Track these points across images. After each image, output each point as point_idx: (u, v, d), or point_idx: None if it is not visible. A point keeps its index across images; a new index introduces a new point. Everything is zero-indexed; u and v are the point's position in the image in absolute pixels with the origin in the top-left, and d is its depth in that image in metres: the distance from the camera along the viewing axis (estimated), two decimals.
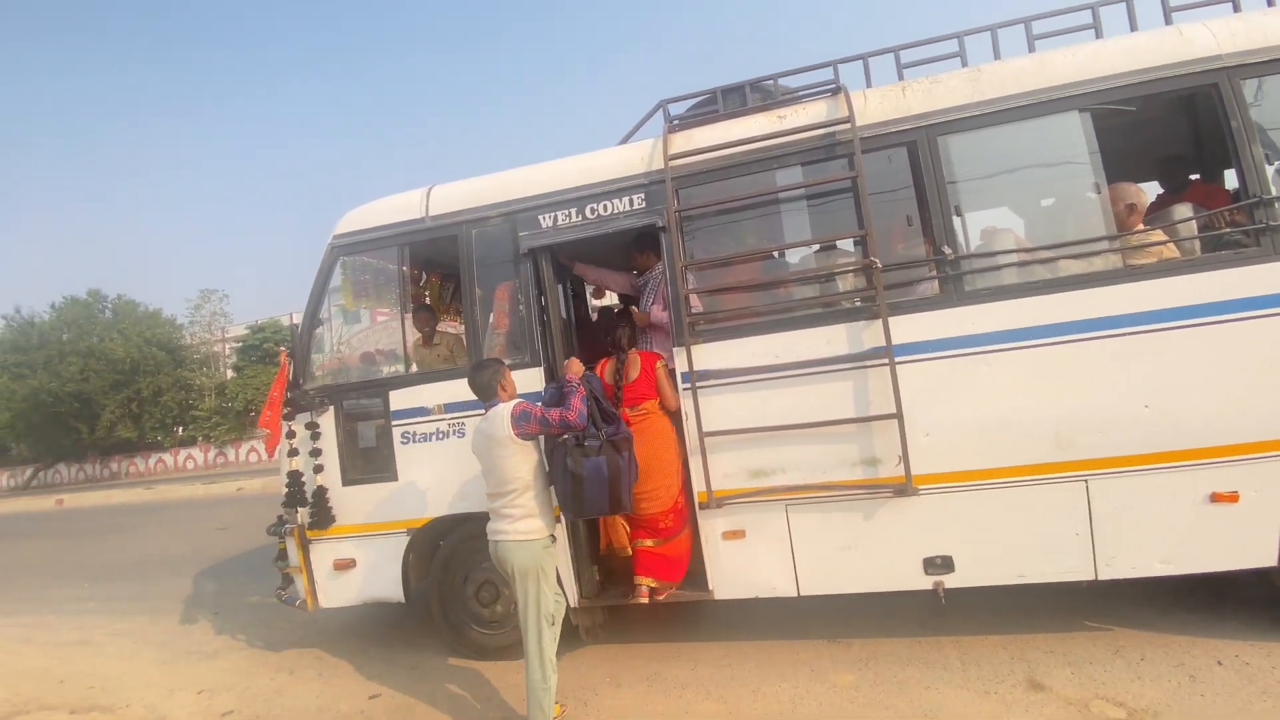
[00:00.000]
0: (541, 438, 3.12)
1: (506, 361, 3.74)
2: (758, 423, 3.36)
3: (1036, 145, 3.28)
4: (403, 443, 3.87)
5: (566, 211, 3.73)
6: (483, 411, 3.14)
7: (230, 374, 31.82)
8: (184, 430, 31.52)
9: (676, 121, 3.86)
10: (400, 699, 3.73)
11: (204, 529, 10.63)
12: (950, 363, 3.19)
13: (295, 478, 3.92)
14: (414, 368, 4.14)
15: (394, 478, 3.89)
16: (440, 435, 3.82)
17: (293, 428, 4.00)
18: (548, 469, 3.16)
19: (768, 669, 3.53)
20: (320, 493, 3.94)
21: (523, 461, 2.97)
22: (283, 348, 3.92)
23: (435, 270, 5.35)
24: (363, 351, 4.60)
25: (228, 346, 33.34)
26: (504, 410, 2.99)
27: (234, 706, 3.90)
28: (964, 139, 3.31)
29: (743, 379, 3.39)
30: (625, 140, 4.04)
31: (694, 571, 3.68)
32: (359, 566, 3.97)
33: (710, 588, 3.54)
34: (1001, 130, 3.27)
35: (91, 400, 29.74)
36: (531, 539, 2.94)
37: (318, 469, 3.95)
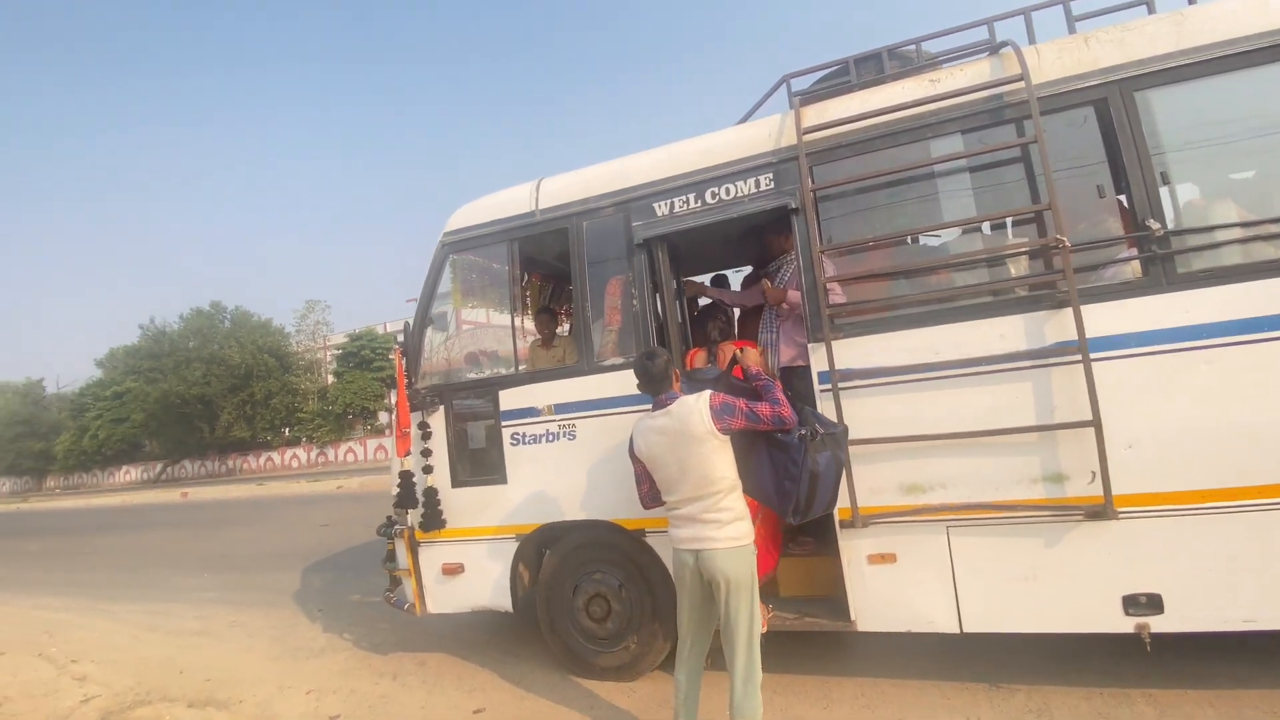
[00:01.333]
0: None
1: (617, 360, 3.52)
2: (913, 430, 2.93)
3: (1267, 98, 2.69)
4: (512, 444, 3.70)
5: (684, 197, 3.45)
6: (635, 408, 2.88)
7: (331, 379, 33.93)
8: (290, 431, 33.84)
9: (800, 97, 3.50)
10: (505, 715, 3.54)
11: (308, 525, 11.11)
12: (1160, 359, 2.64)
13: (406, 478, 3.84)
14: (523, 368, 3.97)
15: (503, 480, 3.72)
16: (550, 437, 3.62)
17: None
18: (766, 468, 2.79)
19: (914, 712, 3.07)
20: (430, 494, 3.83)
21: (725, 459, 2.64)
22: (396, 346, 3.86)
23: (536, 269, 5.24)
24: (472, 351, 4.49)
25: (329, 353, 35.58)
26: (698, 403, 2.64)
27: (341, 710, 3.83)
28: (1169, 94, 2.76)
29: (894, 379, 2.96)
30: (745, 120, 3.72)
31: (831, 599, 3.28)
32: (467, 572, 3.83)
33: (852, 618, 3.12)
34: (1220, 81, 2.70)
35: (212, 402, 32.52)
36: (745, 543, 2.63)
37: (427, 469, 3.85)
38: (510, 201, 3.92)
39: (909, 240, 3.23)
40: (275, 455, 33.51)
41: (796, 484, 2.71)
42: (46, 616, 6.95)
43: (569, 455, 3.58)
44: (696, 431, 2.61)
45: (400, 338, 3.91)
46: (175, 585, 7.58)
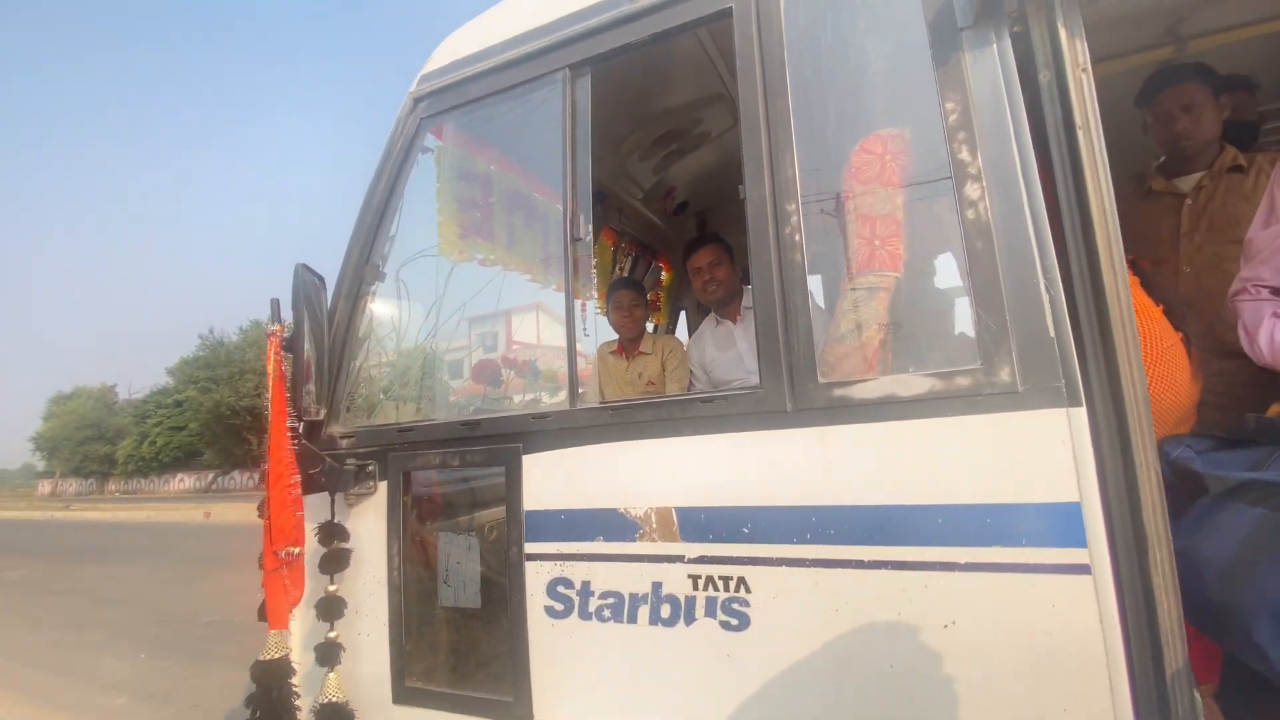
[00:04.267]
0: None
1: (902, 384, 1.09)
2: None
3: None
4: (553, 615, 1.30)
5: None
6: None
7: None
8: None
9: None
10: None
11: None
12: None
13: (273, 677, 1.46)
14: (587, 397, 1.54)
15: (525, 715, 1.31)
16: (665, 609, 1.20)
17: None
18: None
19: None
20: (336, 717, 1.45)
21: None
22: (273, 330, 1.51)
23: (608, 223, 2.93)
24: (484, 352, 2.15)
25: None
26: None
27: None
28: None
29: None
30: None
31: None
32: None
33: None
34: None
35: (262, 415, 32.03)
36: None
37: (329, 653, 1.48)
38: None
39: None
40: None
41: None
42: None
43: (727, 682, 1.14)
44: None
45: (281, 320, 1.55)
46: (95, 671, 5.57)
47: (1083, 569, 0.93)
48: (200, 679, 5.32)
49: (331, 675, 1.47)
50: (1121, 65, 2.09)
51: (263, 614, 1.45)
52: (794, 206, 1.17)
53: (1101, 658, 0.93)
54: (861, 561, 1.04)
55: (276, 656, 1.43)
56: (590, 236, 1.41)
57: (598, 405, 1.33)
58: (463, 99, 1.66)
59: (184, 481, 40.09)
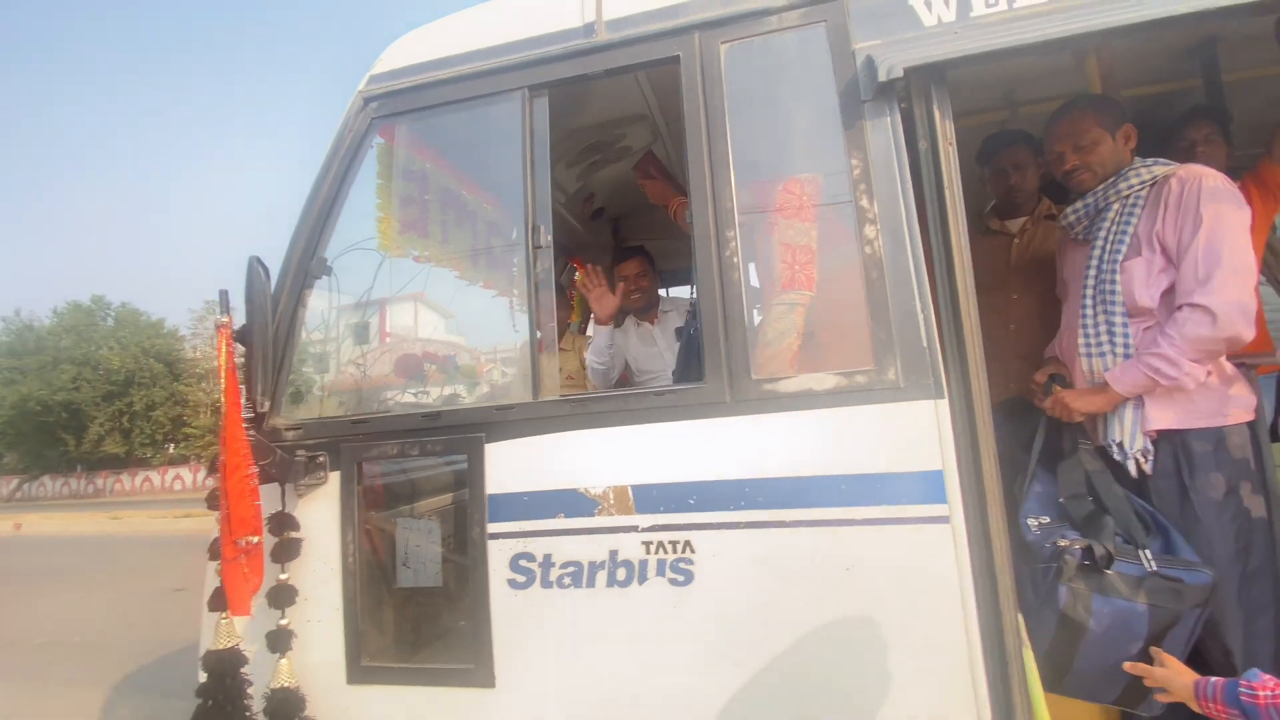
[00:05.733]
0: None
1: (816, 381, 1.37)
2: None
3: None
4: (515, 585, 1.44)
5: None
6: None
7: None
8: (175, 447, 29.52)
9: None
10: None
11: (157, 586, 8.14)
12: None
13: (224, 665, 1.47)
14: (546, 389, 1.68)
15: (486, 680, 1.44)
16: (620, 572, 1.39)
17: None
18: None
19: None
20: (287, 702, 1.49)
21: None
22: (221, 320, 1.49)
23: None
24: (412, 349, 2.22)
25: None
26: None
27: None
28: None
29: None
30: None
31: None
32: None
33: None
34: None
35: (81, 411, 27.94)
36: None
37: (280, 640, 1.51)
38: (531, 14, 1.72)
39: None
40: (155, 475, 28.86)
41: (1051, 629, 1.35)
42: None
43: (674, 629, 1.36)
44: None
45: (229, 311, 1.55)
46: None
47: (944, 520, 1.25)
48: (41, 703, 4.70)
49: (284, 661, 1.50)
50: (966, 123, 2.57)
51: (216, 602, 1.45)
52: (732, 233, 1.41)
53: (956, 586, 1.26)
54: (784, 522, 1.31)
55: (228, 646, 1.45)
56: (550, 244, 1.57)
57: (559, 398, 1.50)
58: (418, 104, 1.74)
59: None
